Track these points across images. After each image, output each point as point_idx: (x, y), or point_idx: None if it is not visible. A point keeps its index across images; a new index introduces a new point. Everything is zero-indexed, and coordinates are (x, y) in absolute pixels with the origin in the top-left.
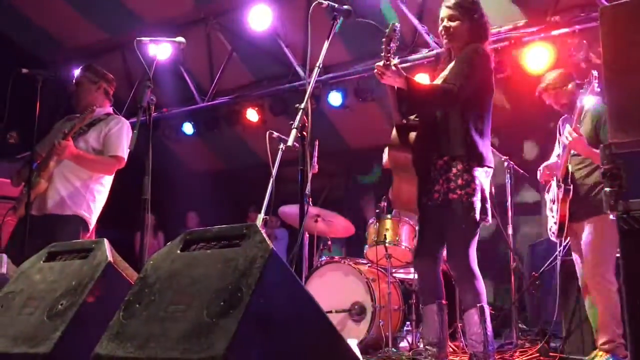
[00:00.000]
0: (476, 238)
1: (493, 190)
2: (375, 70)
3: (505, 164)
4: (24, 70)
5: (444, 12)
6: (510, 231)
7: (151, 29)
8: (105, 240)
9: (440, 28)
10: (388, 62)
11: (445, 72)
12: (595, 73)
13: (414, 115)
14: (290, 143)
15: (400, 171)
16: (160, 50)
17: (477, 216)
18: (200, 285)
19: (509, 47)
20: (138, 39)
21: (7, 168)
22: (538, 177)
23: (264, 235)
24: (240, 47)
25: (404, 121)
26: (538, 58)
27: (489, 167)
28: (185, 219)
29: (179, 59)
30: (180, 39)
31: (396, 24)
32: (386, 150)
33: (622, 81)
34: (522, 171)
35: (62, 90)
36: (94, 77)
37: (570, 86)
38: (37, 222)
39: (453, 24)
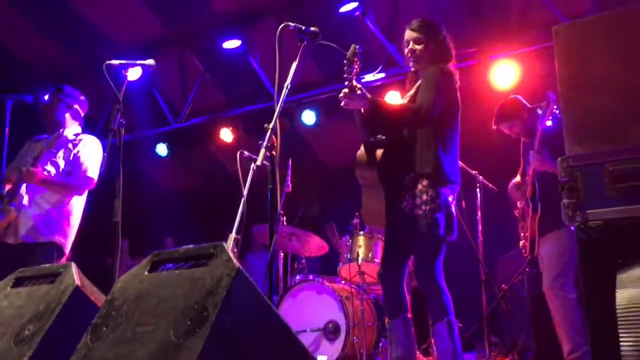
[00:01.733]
0: (442, 253)
1: (463, 204)
2: (341, 97)
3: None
4: None
5: (408, 34)
6: (480, 244)
7: (123, 51)
8: (73, 264)
9: (406, 51)
10: (351, 84)
11: (411, 92)
12: (552, 96)
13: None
14: (259, 163)
15: (369, 188)
16: (131, 72)
17: (442, 232)
18: (167, 306)
19: (476, 66)
20: (107, 62)
21: None
22: (509, 192)
23: (231, 254)
24: (213, 67)
25: (371, 139)
26: (505, 75)
27: (454, 183)
28: (163, 243)
29: (151, 80)
30: (150, 61)
31: (357, 46)
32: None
33: (577, 97)
34: (491, 185)
35: (33, 113)
36: (66, 97)
37: (522, 114)
38: (12, 250)
39: (419, 47)
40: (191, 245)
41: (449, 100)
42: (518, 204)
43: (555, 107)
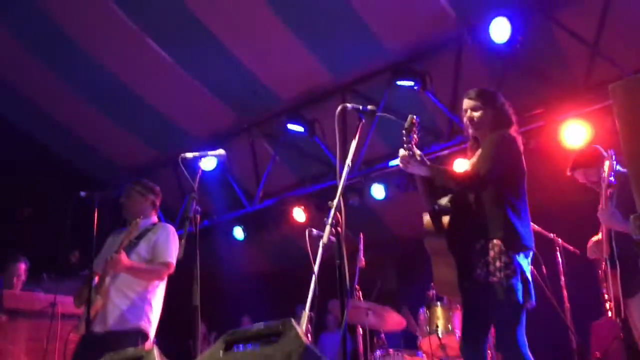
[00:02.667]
0: (523, 321)
1: (544, 270)
2: (399, 159)
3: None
4: (82, 194)
5: (466, 103)
6: (567, 311)
7: (199, 142)
8: (155, 347)
9: (465, 119)
10: (411, 152)
11: (473, 160)
12: (611, 152)
13: (447, 200)
14: (325, 240)
15: (439, 257)
16: (205, 162)
17: (520, 299)
18: None
19: (545, 127)
20: (182, 155)
21: (70, 286)
22: (588, 254)
23: (299, 330)
24: (283, 150)
25: (436, 207)
26: (575, 134)
27: (528, 247)
28: (240, 324)
29: (225, 167)
30: (221, 151)
31: (415, 116)
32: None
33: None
34: (572, 248)
35: (118, 208)
36: (143, 190)
37: (600, 164)
38: (100, 339)
39: (477, 113)
40: (262, 324)
41: (513, 165)
42: (599, 263)
43: (615, 163)
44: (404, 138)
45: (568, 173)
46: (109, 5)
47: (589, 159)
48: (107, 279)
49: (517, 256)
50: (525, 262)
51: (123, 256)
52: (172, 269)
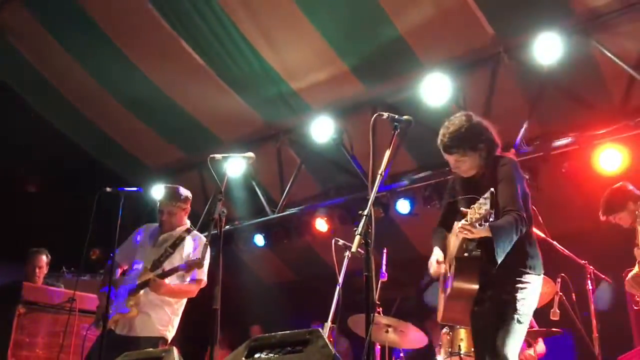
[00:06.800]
0: (518, 341)
1: (574, 297)
2: (459, 229)
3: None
4: (107, 189)
5: (446, 157)
6: (596, 341)
7: (226, 147)
8: (174, 348)
9: (454, 169)
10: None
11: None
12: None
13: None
14: (354, 249)
15: (458, 300)
16: (232, 165)
17: (521, 318)
18: None
19: (579, 150)
20: (211, 155)
21: (89, 283)
22: (626, 287)
23: (327, 340)
24: (309, 159)
25: (466, 254)
26: (611, 160)
27: (538, 275)
28: (249, 333)
29: (250, 174)
30: (250, 154)
31: None
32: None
33: None
34: (603, 276)
35: (142, 205)
36: (184, 204)
37: (629, 205)
38: (121, 340)
39: (461, 165)
40: (287, 331)
41: (523, 191)
42: (636, 296)
43: None
44: None
45: (602, 218)
46: (147, 10)
47: (617, 203)
48: (143, 293)
49: (528, 280)
50: (536, 288)
51: (165, 282)
52: (204, 285)
